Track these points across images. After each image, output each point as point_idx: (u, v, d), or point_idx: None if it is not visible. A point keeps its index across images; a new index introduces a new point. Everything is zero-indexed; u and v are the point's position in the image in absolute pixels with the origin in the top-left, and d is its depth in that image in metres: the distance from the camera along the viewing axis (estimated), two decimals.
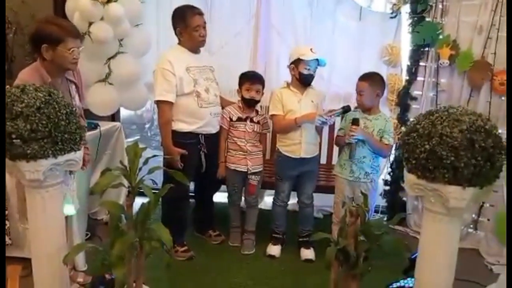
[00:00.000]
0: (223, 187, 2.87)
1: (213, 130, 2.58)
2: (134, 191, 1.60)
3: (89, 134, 2.44)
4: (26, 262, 1.76)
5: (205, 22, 2.49)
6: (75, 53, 1.96)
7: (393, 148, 2.80)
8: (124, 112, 3.49)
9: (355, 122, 2.37)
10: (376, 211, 3.29)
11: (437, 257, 1.52)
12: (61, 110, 1.52)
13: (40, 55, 1.94)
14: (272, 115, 2.56)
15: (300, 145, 2.50)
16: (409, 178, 1.51)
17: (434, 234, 1.52)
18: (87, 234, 2.60)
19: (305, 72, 2.44)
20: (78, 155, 1.60)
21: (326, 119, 2.40)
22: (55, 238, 1.63)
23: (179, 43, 2.52)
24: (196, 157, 2.54)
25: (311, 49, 2.43)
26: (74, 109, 1.63)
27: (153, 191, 1.63)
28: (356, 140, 2.37)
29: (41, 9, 2.76)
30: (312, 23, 3.11)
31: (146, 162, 1.67)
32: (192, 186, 2.77)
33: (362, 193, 1.82)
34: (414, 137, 1.45)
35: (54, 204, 1.62)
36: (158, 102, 2.43)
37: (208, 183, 2.75)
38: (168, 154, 2.43)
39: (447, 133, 1.37)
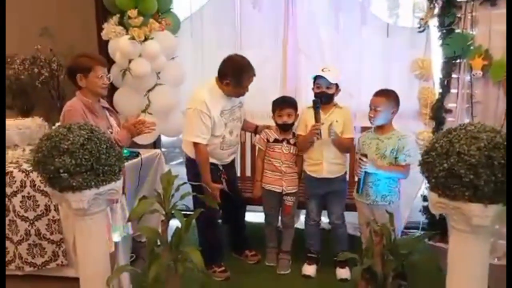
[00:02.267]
0: (259, 207, 2.95)
1: (229, 160, 2.72)
2: (168, 217, 1.73)
3: (131, 163, 2.63)
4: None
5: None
6: (104, 79, 2.24)
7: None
8: (166, 138, 3.69)
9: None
10: (417, 228, 3.22)
11: (466, 276, 1.50)
12: (101, 145, 1.69)
13: (76, 84, 2.24)
14: (297, 135, 2.65)
15: (321, 165, 2.54)
16: (432, 197, 1.51)
17: (461, 252, 1.50)
18: (132, 256, 2.76)
19: (316, 90, 2.51)
20: (118, 184, 1.76)
21: (317, 130, 2.43)
22: (100, 261, 1.79)
23: (217, 83, 2.54)
24: (219, 182, 2.62)
25: (322, 69, 2.48)
26: (113, 142, 1.82)
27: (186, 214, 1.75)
28: (363, 174, 2.33)
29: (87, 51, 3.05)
30: (339, 44, 3.16)
31: (178, 189, 1.80)
32: None
33: (387, 211, 1.82)
34: (433, 156, 1.46)
35: (98, 230, 1.78)
36: (195, 143, 2.51)
37: (233, 208, 2.84)
38: (202, 187, 2.48)
39: (464, 151, 1.37)
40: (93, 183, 1.65)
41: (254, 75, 2.53)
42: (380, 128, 2.41)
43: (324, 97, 2.51)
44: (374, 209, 2.41)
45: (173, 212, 1.71)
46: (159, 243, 1.74)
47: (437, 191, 1.47)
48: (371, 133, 2.46)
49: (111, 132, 2.25)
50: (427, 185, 2.98)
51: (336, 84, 2.53)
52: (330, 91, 2.51)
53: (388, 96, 2.36)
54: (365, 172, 2.34)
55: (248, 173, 3.36)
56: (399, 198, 2.44)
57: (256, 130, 2.83)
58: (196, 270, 1.76)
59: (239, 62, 2.51)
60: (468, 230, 1.44)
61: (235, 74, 2.48)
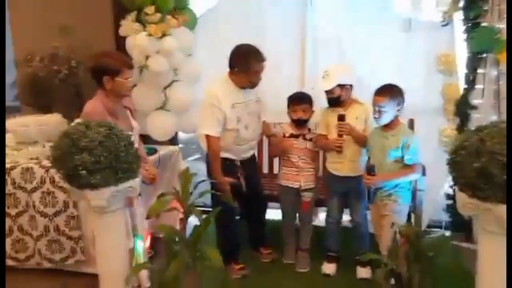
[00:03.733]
0: (277, 205, 2.91)
1: (248, 155, 2.69)
2: (186, 214, 1.70)
3: (148, 159, 2.61)
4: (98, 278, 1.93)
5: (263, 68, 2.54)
6: (130, 82, 2.18)
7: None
8: (183, 134, 3.68)
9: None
10: (440, 227, 3.14)
11: (496, 279, 1.44)
12: (120, 142, 1.68)
13: (101, 86, 2.16)
14: (318, 134, 2.64)
15: (343, 164, 2.51)
16: (461, 197, 1.45)
17: (492, 254, 1.44)
18: (150, 252, 2.76)
19: (327, 96, 2.50)
20: (136, 182, 1.75)
21: (339, 144, 2.45)
22: (119, 258, 1.79)
23: (229, 76, 2.54)
24: (235, 178, 2.58)
25: (323, 76, 2.48)
26: (132, 139, 1.81)
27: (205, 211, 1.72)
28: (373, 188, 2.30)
29: (106, 48, 3.04)
30: (359, 39, 3.08)
31: (196, 186, 1.77)
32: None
33: (414, 212, 1.76)
34: (462, 155, 1.40)
35: (117, 227, 1.78)
36: (206, 135, 2.51)
37: (253, 205, 2.81)
38: (219, 184, 2.46)
39: (498, 151, 1.31)
40: (111, 181, 1.65)
41: (264, 60, 2.50)
42: (386, 125, 2.34)
43: (330, 101, 2.52)
44: (382, 207, 2.34)
45: (191, 209, 1.69)
46: (177, 240, 1.72)
47: (467, 192, 1.40)
48: (378, 130, 2.39)
49: (131, 135, 2.21)
50: (451, 183, 2.99)
51: (342, 85, 2.47)
52: (334, 95, 2.48)
53: (391, 94, 2.28)
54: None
55: (266, 169, 3.32)
56: (409, 202, 2.36)
57: (269, 138, 2.82)
58: (214, 268, 1.73)
59: (246, 48, 2.51)
60: (500, 232, 1.38)
61: (242, 59, 2.47)
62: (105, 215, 1.71)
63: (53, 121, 2.94)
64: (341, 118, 2.44)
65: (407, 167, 2.28)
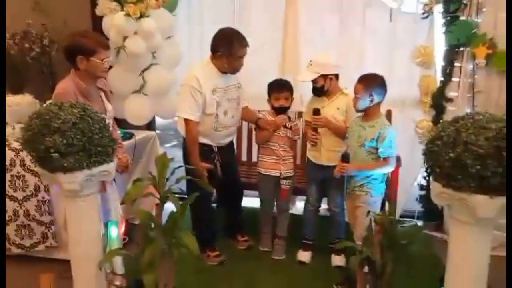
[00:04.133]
0: (255, 192, 2.91)
1: (226, 142, 2.67)
2: (162, 200, 1.67)
3: (124, 144, 2.56)
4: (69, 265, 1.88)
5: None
6: (106, 63, 2.11)
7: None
8: (161, 120, 3.62)
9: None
10: (412, 217, 3.22)
11: (466, 268, 1.48)
12: (94, 124, 1.62)
13: (75, 66, 2.09)
14: (305, 121, 2.68)
15: (320, 153, 2.52)
16: (435, 187, 1.48)
17: (463, 244, 1.48)
18: (125, 239, 2.72)
19: (312, 85, 2.51)
20: (111, 166, 1.70)
21: (315, 138, 2.48)
22: (92, 243, 1.74)
23: (211, 60, 2.50)
24: (212, 164, 2.56)
25: (307, 66, 2.49)
26: (107, 122, 1.75)
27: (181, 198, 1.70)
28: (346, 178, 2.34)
29: (81, 28, 2.93)
30: (341, 28, 3.08)
31: (173, 172, 1.74)
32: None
33: (388, 200, 1.79)
34: (438, 145, 1.42)
35: (90, 212, 1.73)
36: (185, 119, 2.47)
37: (229, 192, 2.80)
38: (196, 170, 2.41)
39: (472, 141, 1.33)
40: (85, 164, 1.59)
41: (247, 45, 2.47)
42: (365, 115, 2.34)
43: (314, 90, 2.53)
44: (355, 198, 2.36)
45: (168, 195, 1.66)
46: (153, 226, 1.69)
47: (441, 181, 1.43)
48: (358, 119, 2.40)
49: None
50: (425, 174, 3.05)
51: (325, 75, 2.46)
52: (317, 84, 2.48)
53: (366, 83, 2.27)
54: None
55: (244, 157, 3.31)
56: (382, 193, 2.37)
57: (257, 122, 2.73)
58: (191, 255, 1.71)
59: (229, 31, 2.49)
60: (472, 222, 1.42)
61: (225, 43, 2.43)
62: (78, 199, 1.66)
63: (25, 102, 2.84)
64: (316, 112, 2.45)
65: (380, 160, 2.29)
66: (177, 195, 1.74)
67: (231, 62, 2.46)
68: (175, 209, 1.69)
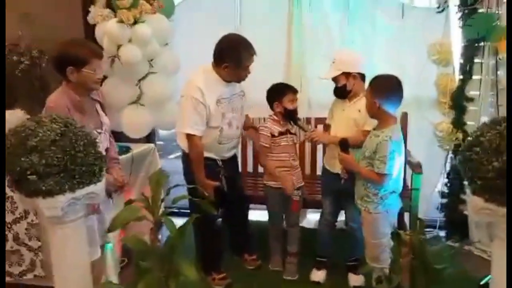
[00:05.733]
0: (262, 206, 2.70)
1: (230, 155, 2.46)
2: (157, 225, 1.47)
3: (120, 158, 2.36)
4: None
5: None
6: (98, 73, 1.91)
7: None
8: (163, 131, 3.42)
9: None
10: (434, 227, 2.99)
11: None
12: (78, 141, 1.43)
13: (65, 78, 1.89)
14: (327, 125, 2.49)
15: (336, 160, 2.24)
16: (475, 201, 1.25)
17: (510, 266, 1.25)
18: (123, 261, 2.52)
19: (335, 86, 2.29)
20: (98, 187, 1.50)
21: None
22: (79, 275, 1.54)
23: (214, 68, 2.27)
24: (216, 179, 2.35)
25: (330, 64, 2.27)
26: (93, 138, 1.55)
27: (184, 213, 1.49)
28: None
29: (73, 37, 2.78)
30: (349, 25, 2.88)
31: (168, 193, 1.53)
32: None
33: (418, 218, 1.56)
34: (477, 152, 1.20)
35: (76, 240, 1.53)
36: (187, 135, 2.26)
37: (235, 208, 2.59)
38: (202, 188, 2.15)
39: None
40: (67, 187, 1.40)
41: (254, 53, 2.24)
42: (378, 123, 2.08)
43: (335, 91, 2.30)
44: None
45: (161, 220, 1.45)
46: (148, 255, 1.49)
47: (483, 195, 1.20)
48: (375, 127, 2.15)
49: (100, 133, 1.92)
50: (445, 180, 2.82)
51: (347, 73, 2.22)
52: (338, 83, 2.25)
53: (372, 86, 2.04)
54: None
55: (250, 168, 3.10)
56: (387, 211, 2.10)
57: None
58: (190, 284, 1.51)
59: (236, 40, 2.24)
60: None
61: (233, 54, 2.20)
62: (62, 226, 1.46)
63: (14, 118, 2.64)
64: (344, 145, 2.15)
65: (374, 174, 2.03)
66: (182, 210, 1.53)
67: (238, 73, 2.25)
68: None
